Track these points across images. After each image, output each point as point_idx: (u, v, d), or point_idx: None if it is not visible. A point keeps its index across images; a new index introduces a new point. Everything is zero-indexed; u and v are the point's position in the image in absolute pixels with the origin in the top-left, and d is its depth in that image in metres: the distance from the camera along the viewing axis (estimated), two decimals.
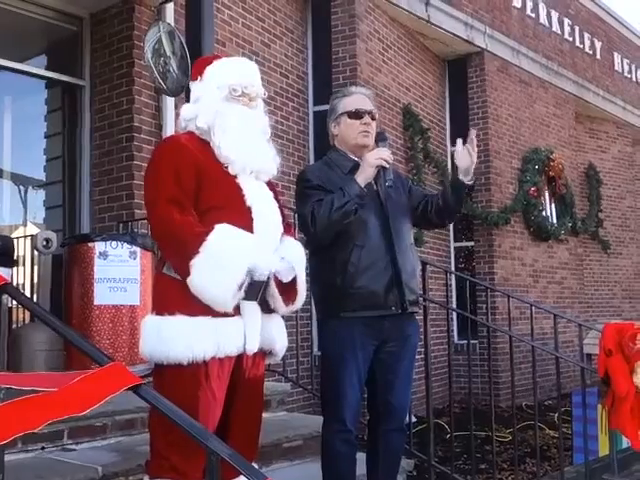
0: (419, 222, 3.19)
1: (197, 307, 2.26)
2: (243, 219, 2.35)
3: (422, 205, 3.08)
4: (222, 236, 2.26)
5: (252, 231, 2.36)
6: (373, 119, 3.01)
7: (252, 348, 2.37)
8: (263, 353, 2.48)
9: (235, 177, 2.41)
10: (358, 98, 3.03)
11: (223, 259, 2.23)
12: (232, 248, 2.26)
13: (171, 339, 2.24)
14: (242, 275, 2.25)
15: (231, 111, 2.44)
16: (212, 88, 2.47)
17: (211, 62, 2.55)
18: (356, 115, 2.97)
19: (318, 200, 2.82)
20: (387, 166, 2.85)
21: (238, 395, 2.41)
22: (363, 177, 2.83)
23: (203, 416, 2.24)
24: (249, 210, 2.39)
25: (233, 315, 2.30)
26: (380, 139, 2.97)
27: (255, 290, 2.34)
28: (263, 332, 2.42)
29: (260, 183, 2.50)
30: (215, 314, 2.27)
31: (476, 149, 2.90)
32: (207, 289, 2.24)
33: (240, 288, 2.25)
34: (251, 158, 2.43)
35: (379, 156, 2.84)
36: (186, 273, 2.24)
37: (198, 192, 2.35)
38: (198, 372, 2.25)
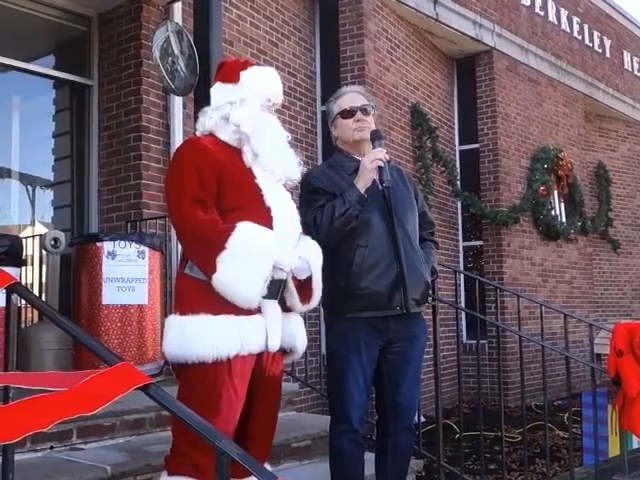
0: None
1: (220, 306, 2.28)
2: (263, 219, 2.38)
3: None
4: (247, 232, 2.30)
5: (272, 230, 2.39)
6: (367, 114, 3.00)
7: (275, 345, 2.40)
8: (283, 351, 2.51)
9: (255, 178, 2.45)
10: (350, 97, 3.04)
11: (249, 254, 2.26)
12: (257, 244, 2.29)
13: (195, 338, 2.26)
14: (268, 270, 2.29)
15: (267, 120, 2.52)
16: (252, 95, 2.51)
17: (245, 67, 2.56)
18: (348, 114, 2.98)
19: (320, 207, 2.82)
20: (383, 166, 2.81)
21: (258, 393, 2.43)
22: (362, 182, 2.83)
23: (225, 413, 2.27)
24: (269, 210, 2.42)
25: (255, 313, 2.33)
26: (375, 137, 2.94)
27: (275, 288, 2.37)
28: (283, 330, 2.45)
29: (279, 184, 2.54)
30: (238, 312, 2.29)
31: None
32: (233, 285, 2.26)
33: (265, 283, 2.29)
34: (285, 165, 2.51)
35: (375, 158, 2.82)
36: (212, 270, 2.26)
37: (219, 193, 2.38)
38: (222, 370, 2.28)
